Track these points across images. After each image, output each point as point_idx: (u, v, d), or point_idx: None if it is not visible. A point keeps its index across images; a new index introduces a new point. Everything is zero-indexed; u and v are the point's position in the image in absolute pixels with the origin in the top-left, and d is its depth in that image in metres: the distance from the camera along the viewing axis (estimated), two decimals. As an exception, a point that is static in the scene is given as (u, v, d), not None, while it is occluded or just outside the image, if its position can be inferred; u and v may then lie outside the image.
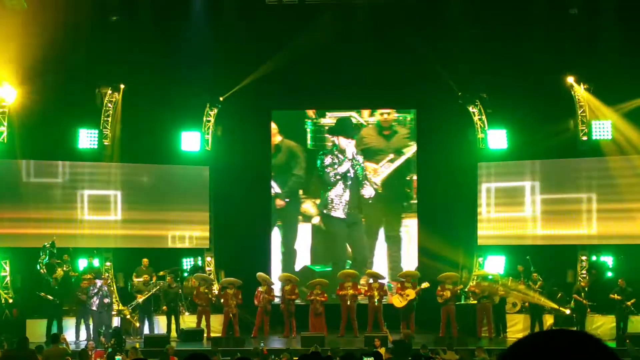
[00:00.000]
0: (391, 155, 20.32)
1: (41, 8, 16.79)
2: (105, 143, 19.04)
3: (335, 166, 20.32)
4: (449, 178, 19.42)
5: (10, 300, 17.43)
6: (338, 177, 20.31)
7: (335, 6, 19.31)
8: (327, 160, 20.36)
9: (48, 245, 17.30)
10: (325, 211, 20.31)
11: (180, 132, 19.66)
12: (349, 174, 20.28)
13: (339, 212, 20.31)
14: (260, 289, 17.59)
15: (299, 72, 19.34)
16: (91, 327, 16.67)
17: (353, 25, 19.19)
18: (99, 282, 16.89)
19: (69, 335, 16.19)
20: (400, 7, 19.15)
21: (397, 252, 20.16)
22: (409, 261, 19.92)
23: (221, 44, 19.44)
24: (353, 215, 20.33)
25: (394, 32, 18.92)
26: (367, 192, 20.28)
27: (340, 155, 20.35)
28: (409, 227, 20.13)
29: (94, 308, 16.58)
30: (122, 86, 18.95)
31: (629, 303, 16.64)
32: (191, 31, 19.13)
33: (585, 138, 18.80)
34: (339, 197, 20.30)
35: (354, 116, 20.54)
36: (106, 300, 16.75)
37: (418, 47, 19.03)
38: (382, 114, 20.47)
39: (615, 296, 16.78)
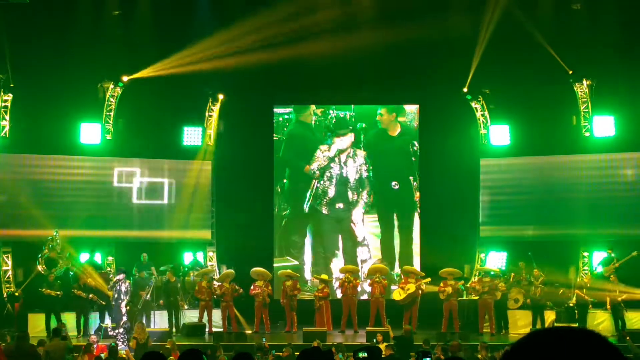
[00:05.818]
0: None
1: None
2: (107, 138, 19.05)
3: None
4: (450, 174, 19.39)
5: (17, 294, 17.43)
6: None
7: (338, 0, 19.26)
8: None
9: (50, 239, 17.31)
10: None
11: (182, 127, 19.65)
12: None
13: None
14: (256, 284, 17.60)
15: (301, 66, 19.28)
16: (95, 320, 16.69)
17: (356, 19, 19.13)
18: (120, 277, 16.83)
19: (71, 330, 16.18)
20: (404, 1, 19.08)
21: (402, 247, 20.12)
22: (410, 257, 19.90)
23: (224, 38, 19.37)
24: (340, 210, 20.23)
25: (397, 26, 18.83)
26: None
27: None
28: (411, 223, 20.11)
29: (120, 302, 16.57)
30: (125, 78, 18.93)
31: (619, 299, 16.70)
32: (193, 25, 19.09)
33: (587, 134, 18.76)
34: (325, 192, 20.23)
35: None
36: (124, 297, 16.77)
37: (422, 42, 18.96)
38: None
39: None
